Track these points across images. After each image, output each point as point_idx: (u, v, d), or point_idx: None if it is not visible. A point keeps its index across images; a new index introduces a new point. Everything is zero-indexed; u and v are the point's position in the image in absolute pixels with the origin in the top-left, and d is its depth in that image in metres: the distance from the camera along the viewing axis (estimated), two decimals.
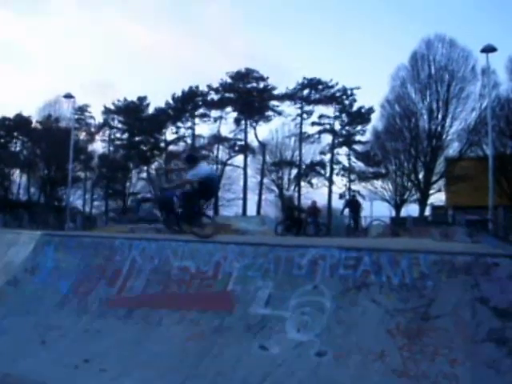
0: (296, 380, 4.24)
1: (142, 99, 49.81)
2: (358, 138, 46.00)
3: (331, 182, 45.20)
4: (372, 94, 75.27)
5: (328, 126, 46.76)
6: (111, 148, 50.56)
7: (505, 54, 32.72)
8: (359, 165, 44.34)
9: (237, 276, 5.51)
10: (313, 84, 47.02)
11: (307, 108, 47.44)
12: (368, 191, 38.76)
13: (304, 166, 45.82)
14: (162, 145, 49.81)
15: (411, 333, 4.32)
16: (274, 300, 5.10)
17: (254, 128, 48.30)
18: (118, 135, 50.94)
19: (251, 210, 44.95)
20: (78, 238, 7.76)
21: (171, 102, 48.71)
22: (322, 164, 46.17)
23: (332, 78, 46.66)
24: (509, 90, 31.79)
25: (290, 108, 47.73)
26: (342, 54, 70.50)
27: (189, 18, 72.53)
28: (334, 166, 45.85)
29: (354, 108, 46.39)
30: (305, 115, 47.39)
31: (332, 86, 46.75)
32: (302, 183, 45.58)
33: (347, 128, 46.66)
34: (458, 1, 65.80)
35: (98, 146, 50.12)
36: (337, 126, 46.83)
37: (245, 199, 46.02)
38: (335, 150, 46.19)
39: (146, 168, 49.31)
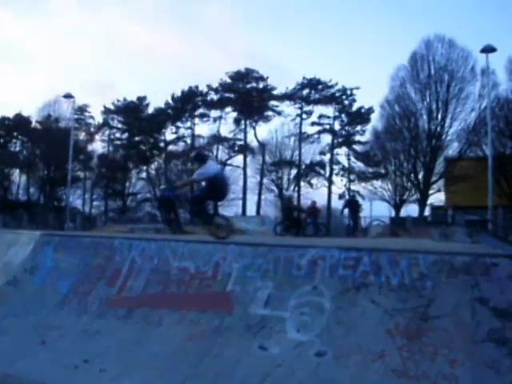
0: (296, 380, 4.24)
1: (141, 99, 49.83)
2: (357, 138, 46.10)
3: (331, 182, 45.26)
4: (372, 94, 75.50)
5: (327, 126, 46.82)
6: (111, 148, 50.59)
7: (504, 54, 32.98)
8: (359, 165, 44.41)
9: (236, 276, 5.51)
10: (312, 84, 47.03)
11: (307, 108, 47.51)
12: (367, 191, 38.89)
13: (303, 166, 45.85)
14: (162, 145, 49.83)
15: (411, 333, 4.32)
16: (274, 300, 5.10)
17: (254, 128, 48.38)
18: (118, 135, 51.01)
19: (251, 210, 45.00)
20: (77, 238, 7.76)
21: (171, 101, 48.75)
22: (321, 164, 46.20)
23: (331, 78, 46.77)
24: (508, 91, 31.89)
25: (289, 108, 47.83)
26: (341, 54, 70.62)
27: (189, 18, 72.63)
28: (334, 166, 45.93)
29: (354, 108, 46.45)
30: (304, 115, 47.46)
31: (331, 86, 46.79)
32: (302, 183, 45.66)
33: (347, 128, 46.69)
34: (458, 1, 65.89)
35: (98, 146, 50.23)
36: (336, 126, 46.92)
37: (244, 199, 46.03)
38: (335, 150, 46.24)
39: (145, 168, 49.34)
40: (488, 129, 25.07)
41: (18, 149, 48.96)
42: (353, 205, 21.13)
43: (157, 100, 61.57)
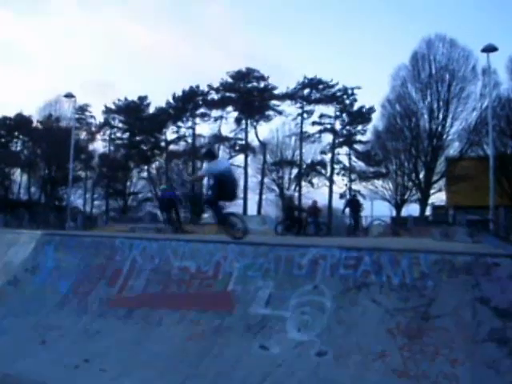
0: (296, 380, 4.24)
1: (142, 99, 49.86)
2: (358, 137, 46.08)
3: (332, 182, 45.25)
4: (372, 93, 75.38)
5: (328, 126, 46.80)
6: (112, 147, 50.62)
7: (505, 53, 32.78)
8: (360, 164, 44.39)
9: (237, 276, 5.51)
10: (313, 83, 47.01)
11: (308, 107, 47.48)
12: (369, 191, 38.84)
13: (304, 166, 45.84)
14: (163, 144, 49.84)
15: (411, 333, 4.32)
16: (275, 300, 5.09)
17: (255, 127, 48.38)
18: (119, 135, 51.05)
19: (252, 210, 44.98)
20: (78, 237, 7.76)
21: (172, 101, 48.75)
22: (322, 164, 46.18)
23: (332, 78, 46.74)
24: (509, 90, 31.86)
25: (290, 107, 47.81)
26: (342, 54, 70.51)
27: (189, 18, 72.60)
28: (335, 166, 45.91)
29: (355, 108, 46.43)
30: (305, 115, 47.43)
31: (332, 86, 46.77)
32: (303, 183, 45.63)
33: (348, 128, 46.67)
34: (459, 0, 65.83)
35: (99, 146, 50.27)
36: (337, 126, 46.90)
37: (245, 199, 46.01)
38: (336, 150, 46.21)
39: (146, 167, 49.36)
40: (489, 128, 25.03)
41: (19, 148, 49.05)
42: (354, 204, 21.14)
43: (158, 99, 61.53)
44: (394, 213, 35.83)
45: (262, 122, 48.58)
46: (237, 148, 48.17)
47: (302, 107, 47.52)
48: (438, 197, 35.80)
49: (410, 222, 28.36)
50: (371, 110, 44.43)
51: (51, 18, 72.51)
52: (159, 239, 6.88)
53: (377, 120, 39.17)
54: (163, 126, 48.97)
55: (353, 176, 44.73)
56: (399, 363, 4.13)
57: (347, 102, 46.71)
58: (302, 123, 47.10)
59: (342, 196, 43.46)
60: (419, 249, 5.33)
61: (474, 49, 30.54)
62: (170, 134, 49.58)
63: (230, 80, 48.61)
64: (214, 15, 70.80)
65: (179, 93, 48.46)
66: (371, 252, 5.08)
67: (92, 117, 50.85)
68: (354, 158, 45.48)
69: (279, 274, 5.32)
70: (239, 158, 48.09)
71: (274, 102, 48.33)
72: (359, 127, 46.16)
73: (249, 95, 47.84)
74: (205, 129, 50.80)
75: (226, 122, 48.71)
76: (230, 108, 48.55)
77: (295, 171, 45.81)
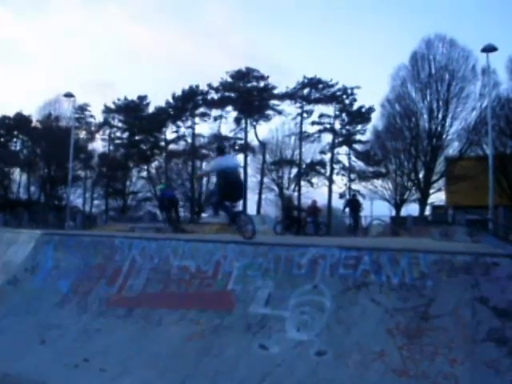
0: (296, 379, 4.24)
1: (142, 98, 49.82)
2: (358, 137, 46.05)
3: (331, 182, 45.21)
4: (372, 93, 75.33)
5: (328, 126, 46.76)
6: (111, 147, 50.57)
7: (505, 53, 32.78)
8: (359, 164, 44.38)
9: (237, 275, 5.51)
10: (313, 83, 46.99)
11: (307, 107, 47.43)
12: (368, 190, 38.82)
13: (304, 166, 45.82)
14: (162, 144, 49.81)
15: (411, 332, 4.32)
16: (274, 299, 5.10)
17: (254, 127, 48.34)
18: (118, 134, 50.99)
19: (251, 210, 44.88)
20: (77, 237, 7.76)
21: (171, 101, 48.71)
22: (322, 163, 46.15)
23: (332, 78, 46.70)
24: (509, 90, 31.83)
25: (290, 107, 47.76)
26: (342, 54, 70.59)
27: (189, 17, 72.61)
28: (334, 166, 45.87)
29: (355, 107, 46.39)
30: (305, 114, 47.39)
31: (332, 86, 46.75)
32: (302, 182, 45.60)
33: (347, 127, 46.65)
34: (459, 0, 65.83)
35: (98, 145, 50.22)
36: (337, 126, 46.86)
37: (245, 198, 45.96)
38: (335, 150, 46.19)
39: (146, 167, 49.33)
40: (488, 128, 25.01)
41: (18, 148, 49.02)
42: (353, 204, 21.14)
43: (157, 99, 61.62)
44: (394, 212, 35.84)
45: (262, 122, 48.61)
46: (236, 148, 48.11)
47: (301, 107, 47.49)
48: (438, 196, 35.83)
49: (409, 221, 28.32)
50: (371, 109, 44.44)
51: (51, 17, 72.56)
52: (158, 239, 6.89)
53: (376, 120, 39.18)
54: (163, 126, 48.95)
55: (352, 176, 44.74)
56: (399, 363, 4.13)
57: (347, 101, 46.71)
58: (301, 123, 47.09)
59: (341, 196, 43.48)
60: (419, 248, 5.33)
61: (474, 49, 30.54)
62: (169, 133, 49.62)
63: (229, 80, 48.59)
64: (214, 14, 70.87)
65: (179, 92, 48.48)
66: (371, 252, 5.09)
67: (91, 116, 50.87)
68: (353, 158, 45.50)
69: (279, 274, 5.32)
70: (239, 158, 48.09)
71: (273, 101, 48.30)
72: (359, 127, 46.15)
73: (248, 95, 47.80)
74: (204, 128, 50.90)
75: (226, 122, 48.73)
76: (229, 107, 48.53)
77: (295, 171, 45.79)
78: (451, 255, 4.76)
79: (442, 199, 36.03)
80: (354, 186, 43.33)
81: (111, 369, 4.77)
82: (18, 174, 47.23)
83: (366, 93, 66.00)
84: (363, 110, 45.78)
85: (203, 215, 43.28)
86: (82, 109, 49.35)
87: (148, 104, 50.11)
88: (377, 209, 39.44)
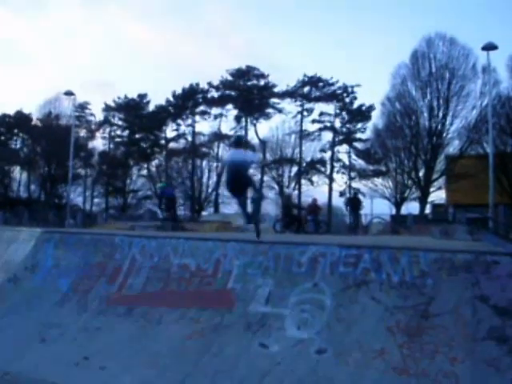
0: (296, 378, 4.24)
1: (142, 96, 49.79)
2: (358, 135, 45.96)
3: (331, 180, 45.16)
4: (372, 91, 74.93)
5: (328, 124, 46.70)
6: (111, 145, 50.53)
7: (506, 51, 32.65)
8: (360, 162, 44.26)
9: (237, 274, 5.51)
10: (313, 81, 46.93)
11: (307, 105, 47.35)
12: (368, 189, 38.74)
13: (304, 164, 45.78)
14: (163, 142, 49.77)
15: (411, 330, 4.32)
16: (274, 298, 5.09)
17: (255, 125, 48.29)
18: (119, 132, 50.94)
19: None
20: (78, 235, 7.75)
21: (171, 99, 48.67)
22: (322, 162, 46.10)
23: (332, 76, 46.59)
24: (509, 88, 31.77)
25: (290, 105, 47.67)
26: (342, 52, 70.44)
27: (189, 16, 72.46)
28: (335, 164, 45.80)
29: (355, 106, 46.32)
30: (305, 113, 47.31)
31: (332, 84, 46.68)
32: (303, 181, 45.54)
33: (348, 126, 46.58)
34: None
35: (99, 144, 50.15)
36: (337, 124, 46.77)
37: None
38: (335, 148, 46.13)
39: (146, 165, 49.32)
40: (489, 126, 24.96)
41: (18, 146, 48.97)
42: (354, 202, 21.15)
43: (157, 97, 61.64)
44: (394, 211, 35.80)
45: (262, 120, 48.55)
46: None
47: (301, 105, 47.43)
48: (438, 195, 35.80)
49: (409, 220, 28.25)
50: (371, 108, 44.37)
51: (51, 17, 72.42)
52: (158, 237, 6.88)
53: (377, 118, 39.11)
54: (163, 124, 48.92)
55: (352, 174, 44.66)
56: (399, 361, 4.13)
57: (347, 100, 46.62)
58: (301, 121, 47.02)
59: (341, 194, 43.42)
60: (419, 247, 5.33)
61: (474, 47, 30.44)
62: (169, 131, 49.55)
63: (229, 78, 48.53)
64: (214, 13, 70.77)
65: (179, 90, 48.45)
66: (371, 250, 5.08)
67: (92, 115, 50.85)
68: (353, 156, 45.41)
69: (279, 272, 5.32)
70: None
71: (273, 99, 48.23)
72: (359, 125, 46.07)
73: (249, 93, 47.76)
74: (204, 127, 50.76)
75: (226, 120, 48.64)
76: (229, 106, 48.46)
77: (295, 169, 45.76)
78: (451, 253, 4.76)
79: (443, 197, 36.03)
80: (355, 185, 43.26)
81: (111, 367, 4.76)
82: (18, 173, 47.25)
83: (366, 91, 65.77)
84: (363, 108, 45.73)
85: (203, 213, 43.31)
86: (82, 107, 49.33)
87: (148, 102, 50.09)
88: (377, 207, 39.53)
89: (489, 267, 4.47)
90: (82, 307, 5.93)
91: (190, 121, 48.98)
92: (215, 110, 48.53)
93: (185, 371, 4.55)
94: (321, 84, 46.89)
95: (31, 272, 6.82)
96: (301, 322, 4.77)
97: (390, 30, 72.57)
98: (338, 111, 46.70)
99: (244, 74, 48.29)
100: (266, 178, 45.48)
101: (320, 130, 46.72)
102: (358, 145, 45.42)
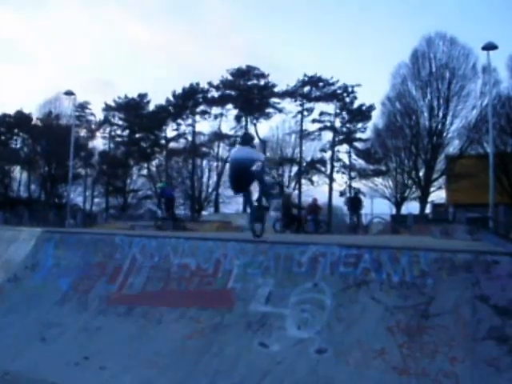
0: (296, 377, 4.24)
1: (142, 96, 49.85)
2: (358, 135, 46.07)
3: (332, 180, 45.22)
4: (373, 91, 74.98)
5: (328, 124, 46.77)
6: (112, 145, 50.61)
7: (506, 51, 32.71)
8: (360, 162, 44.37)
9: (237, 273, 5.51)
10: (313, 81, 46.97)
11: (308, 105, 47.44)
12: (368, 189, 38.79)
13: (304, 164, 45.83)
14: (163, 142, 49.83)
15: (411, 330, 4.31)
16: (274, 297, 5.09)
17: (255, 125, 48.38)
18: (119, 132, 51.05)
19: None
20: (78, 235, 7.76)
21: (172, 99, 48.74)
22: (322, 161, 46.16)
23: (333, 76, 46.69)
24: (509, 88, 31.89)
25: (290, 105, 47.78)
26: (342, 52, 70.49)
27: (189, 16, 72.49)
28: (335, 164, 45.89)
29: (355, 105, 46.40)
30: (305, 112, 47.40)
31: (333, 84, 46.74)
32: (303, 180, 45.63)
33: (348, 125, 46.65)
34: None
35: (99, 143, 50.27)
36: (337, 124, 46.88)
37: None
38: (336, 148, 46.19)
39: (146, 165, 49.35)
40: (489, 126, 25.01)
41: (18, 146, 49.04)
42: (354, 202, 21.17)
43: (158, 97, 61.67)
44: (394, 211, 35.88)
45: (262, 120, 48.68)
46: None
47: (302, 105, 47.50)
48: (438, 195, 35.89)
49: (409, 219, 28.29)
50: (371, 107, 44.46)
51: (51, 16, 72.43)
52: (159, 237, 6.89)
53: (377, 118, 39.28)
54: (163, 124, 48.98)
55: (353, 174, 44.73)
56: (399, 361, 4.13)
57: (347, 99, 46.70)
58: (301, 121, 47.10)
59: (341, 194, 43.47)
60: (419, 247, 5.33)
61: (475, 47, 30.56)
62: (169, 131, 49.69)
63: (230, 77, 48.61)
64: (214, 12, 70.76)
65: (179, 90, 48.51)
66: (371, 250, 5.08)
67: (92, 114, 50.97)
68: (354, 156, 45.51)
69: (279, 272, 5.31)
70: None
71: (274, 99, 48.33)
72: (359, 125, 46.18)
73: (249, 93, 47.81)
74: (205, 126, 50.80)
75: (226, 120, 48.75)
76: (229, 105, 48.56)
77: (295, 169, 45.80)
78: (452, 253, 4.75)
79: (443, 197, 36.10)
80: (355, 184, 43.29)
81: (111, 367, 4.77)
82: (18, 172, 47.35)
83: (366, 91, 65.97)
84: (364, 108, 45.79)
85: (203, 213, 43.32)
86: (83, 107, 49.39)
87: (148, 102, 50.19)
88: (377, 207, 39.51)
89: (489, 267, 4.47)
90: (82, 307, 5.93)
91: (190, 120, 49.09)
92: (215, 110, 48.67)
93: (185, 370, 4.55)
94: (321, 84, 46.96)
95: (31, 271, 6.82)
96: (301, 322, 4.77)
97: (390, 29, 72.66)
98: (338, 111, 46.79)
99: (244, 74, 48.34)
100: (266, 178, 45.47)
101: (320, 129, 46.82)
102: (358, 144, 45.53)
